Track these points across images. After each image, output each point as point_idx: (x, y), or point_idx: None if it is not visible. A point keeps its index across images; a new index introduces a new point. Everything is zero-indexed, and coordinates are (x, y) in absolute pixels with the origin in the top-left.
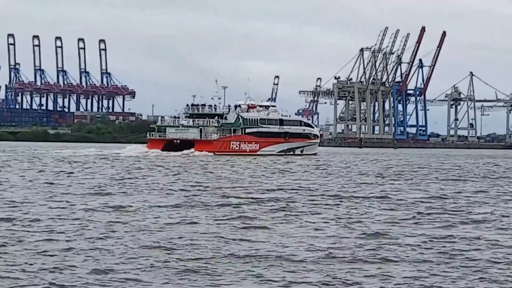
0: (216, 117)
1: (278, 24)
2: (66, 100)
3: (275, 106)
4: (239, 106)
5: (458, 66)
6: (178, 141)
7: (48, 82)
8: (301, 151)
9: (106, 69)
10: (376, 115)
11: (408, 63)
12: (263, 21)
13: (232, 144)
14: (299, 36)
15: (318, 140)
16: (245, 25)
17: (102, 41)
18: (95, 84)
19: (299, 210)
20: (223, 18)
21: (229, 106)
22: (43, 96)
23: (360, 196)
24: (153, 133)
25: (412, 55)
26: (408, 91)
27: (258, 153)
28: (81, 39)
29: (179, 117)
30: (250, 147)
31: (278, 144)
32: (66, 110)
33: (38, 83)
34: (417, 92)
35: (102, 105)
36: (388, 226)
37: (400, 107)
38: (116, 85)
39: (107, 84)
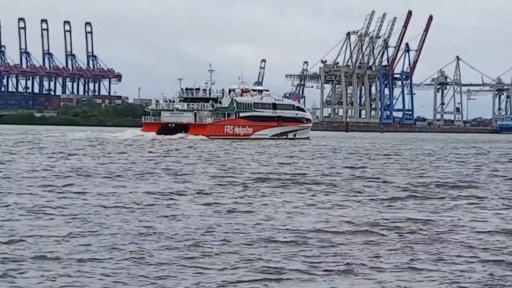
0: (210, 101)
1: (262, 7)
2: (52, 83)
3: (268, 91)
4: (233, 90)
5: (445, 50)
6: (173, 125)
7: (34, 65)
8: (294, 135)
9: (92, 52)
10: (363, 99)
11: (395, 47)
12: (248, 4)
13: (226, 128)
14: (285, 20)
15: (310, 124)
16: (230, 8)
17: (88, 24)
18: (81, 67)
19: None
20: (205, 2)
21: (223, 90)
22: (29, 79)
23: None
24: (148, 116)
25: (399, 39)
26: (395, 75)
27: (251, 137)
28: (67, 22)
29: (173, 101)
30: (244, 131)
31: (272, 128)
32: (52, 93)
33: (24, 65)
34: (404, 76)
35: (88, 88)
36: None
37: (386, 91)
38: (102, 68)
39: (93, 67)
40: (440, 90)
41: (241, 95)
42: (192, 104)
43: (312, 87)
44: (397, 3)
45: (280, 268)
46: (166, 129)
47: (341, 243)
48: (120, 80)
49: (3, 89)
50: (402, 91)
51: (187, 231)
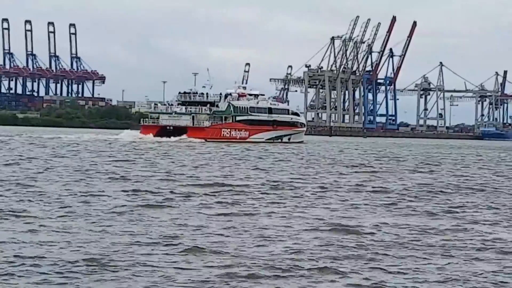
0: (208, 105)
1: (247, 9)
2: (35, 84)
3: (264, 95)
4: (230, 94)
5: (428, 56)
6: (171, 127)
7: (17, 66)
8: (288, 139)
9: (76, 54)
10: (346, 104)
11: (379, 52)
12: (233, 7)
13: (223, 131)
14: (270, 23)
15: (304, 129)
16: (216, 10)
17: (72, 25)
18: (64, 69)
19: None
20: (191, 2)
21: (220, 94)
22: (12, 80)
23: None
24: (147, 119)
25: (383, 45)
26: (378, 80)
27: (247, 140)
28: (51, 23)
29: (172, 104)
30: (240, 134)
31: (267, 132)
32: (35, 94)
33: (7, 66)
34: (387, 82)
35: (72, 90)
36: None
37: (370, 96)
38: (86, 70)
39: (77, 68)
40: (423, 96)
41: (237, 99)
42: (190, 108)
43: (296, 91)
44: (382, 9)
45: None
46: (164, 132)
47: None
48: (104, 82)
49: None
50: (386, 96)
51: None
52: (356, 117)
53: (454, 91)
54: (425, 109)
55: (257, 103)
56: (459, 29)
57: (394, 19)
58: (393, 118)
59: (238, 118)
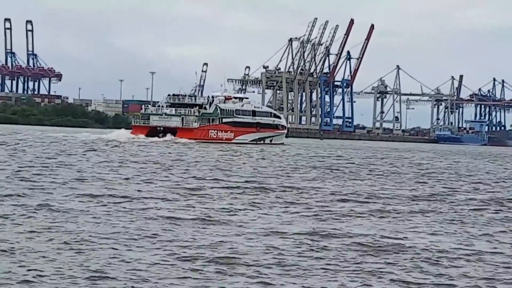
0: (196, 107)
1: (203, 7)
2: None
3: (248, 98)
4: (216, 97)
5: (385, 59)
6: (161, 128)
7: None
8: (270, 141)
9: (33, 51)
10: (303, 105)
11: (336, 54)
12: (189, 4)
13: (211, 132)
14: (227, 21)
15: (285, 131)
16: (173, 5)
17: (29, 22)
18: (21, 66)
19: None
20: None
21: (208, 97)
22: None
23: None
24: (138, 120)
25: (340, 47)
26: (336, 83)
27: (233, 141)
28: (7, 19)
29: (162, 106)
30: (226, 135)
31: (251, 134)
32: None
33: None
34: (344, 84)
35: (28, 87)
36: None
37: (327, 98)
38: (43, 67)
39: (33, 65)
40: (380, 99)
41: (224, 102)
42: (180, 109)
43: (254, 92)
44: (340, 11)
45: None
46: (154, 132)
47: None
48: (60, 80)
49: None
50: (343, 99)
51: None
52: (313, 119)
53: (411, 94)
54: (382, 112)
55: (242, 106)
56: (416, 32)
57: (352, 21)
58: (350, 120)
59: (224, 120)
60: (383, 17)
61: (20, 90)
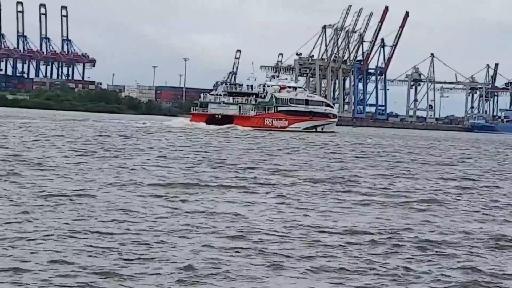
0: (253, 96)
1: None
2: (25, 66)
3: (301, 87)
4: (270, 86)
5: (420, 47)
6: (219, 116)
7: (8, 47)
8: (322, 129)
9: (67, 36)
10: (337, 93)
11: (370, 42)
12: None
13: (266, 120)
14: (261, 10)
15: (336, 119)
16: None
17: (64, 7)
18: (55, 51)
19: None
20: None
21: (263, 86)
22: (2, 61)
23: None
24: (197, 108)
25: (375, 34)
26: (369, 70)
27: (287, 129)
28: (42, 5)
29: (220, 95)
30: (280, 123)
31: (304, 122)
32: (25, 76)
33: None
34: (378, 72)
35: (62, 73)
36: None
37: (360, 85)
38: (77, 53)
39: (68, 51)
40: (413, 87)
41: (279, 91)
42: (237, 98)
43: (286, 79)
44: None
45: None
46: (213, 120)
47: None
48: (94, 65)
49: None
50: (376, 86)
51: None
52: (346, 107)
53: (445, 82)
54: (415, 100)
55: (296, 95)
56: (448, 23)
57: (386, 9)
58: (383, 108)
59: (279, 108)
60: (418, 5)
61: (54, 76)
